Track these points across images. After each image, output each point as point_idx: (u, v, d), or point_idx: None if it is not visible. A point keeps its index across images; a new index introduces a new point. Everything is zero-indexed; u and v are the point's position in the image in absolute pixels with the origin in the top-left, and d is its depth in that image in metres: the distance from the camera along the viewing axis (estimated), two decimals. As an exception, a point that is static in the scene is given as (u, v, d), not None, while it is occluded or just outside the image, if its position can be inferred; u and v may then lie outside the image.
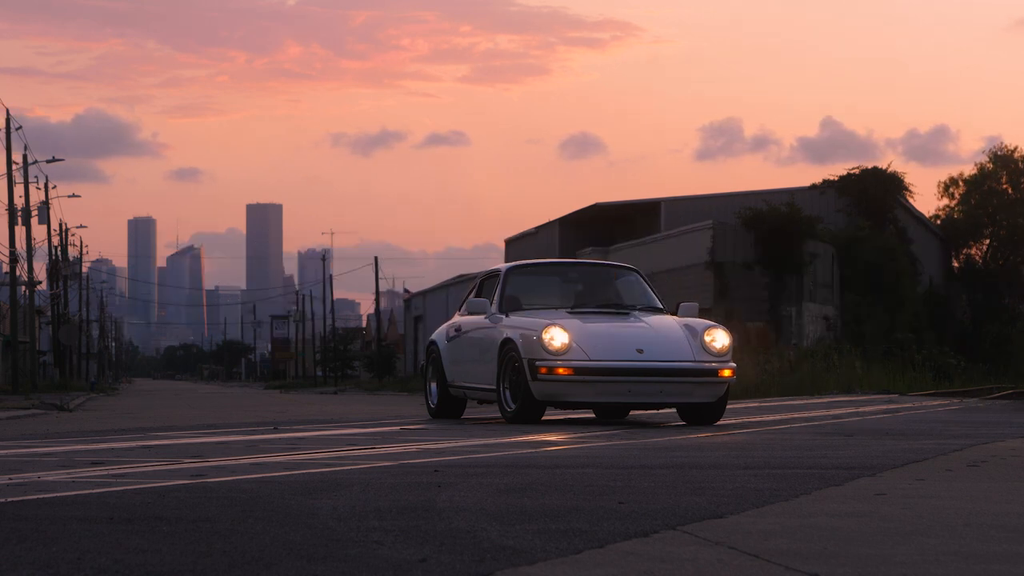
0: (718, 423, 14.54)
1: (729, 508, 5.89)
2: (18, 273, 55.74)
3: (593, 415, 16.81)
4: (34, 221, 58.92)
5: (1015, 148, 64.83)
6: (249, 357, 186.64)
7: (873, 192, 56.54)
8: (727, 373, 14.34)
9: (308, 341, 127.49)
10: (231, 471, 8.13)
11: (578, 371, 14.04)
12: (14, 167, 55.07)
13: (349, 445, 10.97)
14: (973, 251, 66.09)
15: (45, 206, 63.43)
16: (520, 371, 14.31)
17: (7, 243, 55.26)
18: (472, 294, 16.62)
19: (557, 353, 14.07)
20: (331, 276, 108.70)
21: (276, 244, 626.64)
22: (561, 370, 14.04)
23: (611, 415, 16.34)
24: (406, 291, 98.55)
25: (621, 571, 4.25)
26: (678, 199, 56.51)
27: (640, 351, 14.20)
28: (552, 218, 61.86)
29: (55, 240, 76.30)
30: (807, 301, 47.52)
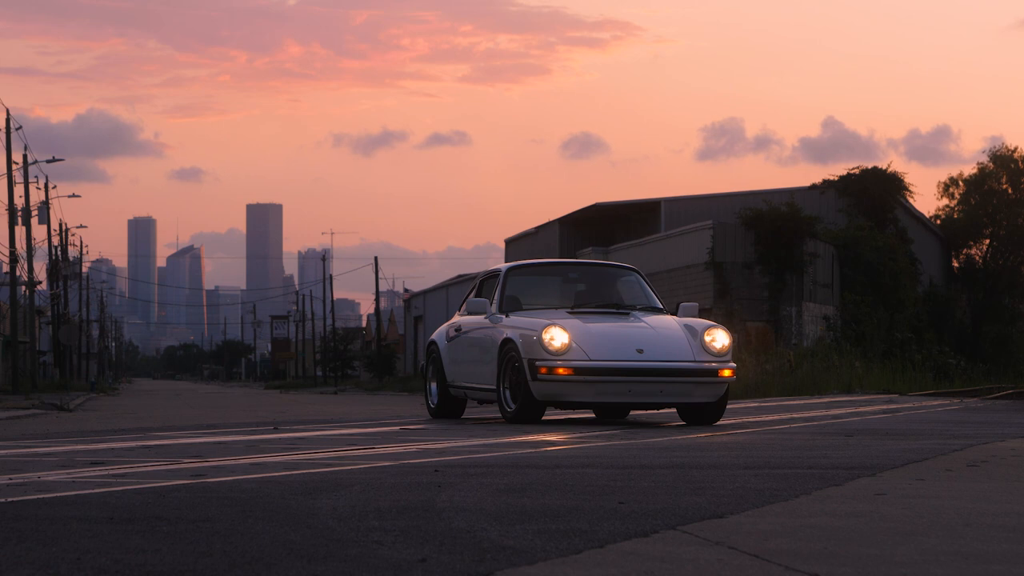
0: (718, 423, 14.54)
1: (729, 508, 5.89)
2: (18, 273, 55.74)
3: (593, 415, 16.83)
4: (34, 221, 58.94)
5: (1015, 148, 64.82)
6: (249, 357, 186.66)
7: (873, 192, 56.52)
8: (727, 373, 14.33)
9: (308, 341, 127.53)
10: (231, 471, 8.13)
11: (578, 371, 14.04)
12: (14, 167, 55.09)
13: (349, 445, 10.97)
14: (973, 251, 66.08)
15: (45, 206, 63.45)
16: (520, 371, 14.32)
17: (7, 243, 55.30)
18: (472, 294, 16.59)
19: (557, 353, 14.07)
20: (331, 276, 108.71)
21: (276, 244, 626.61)
22: (561, 370, 14.04)
23: (611, 415, 16.34)
24: (406, 291, 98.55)
25: (621, 571, 4.25)
26: (678, 199, 56.48)
27: (640, 351, 14.19)
28: (553, 218, 61.83)
29: (55, 240, 76.35)
30: (807, 301, 47.51)
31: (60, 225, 78.76)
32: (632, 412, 16.85)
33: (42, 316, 78.01)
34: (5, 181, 54.35)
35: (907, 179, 57.69)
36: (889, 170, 57.47)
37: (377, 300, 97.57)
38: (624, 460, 9.00)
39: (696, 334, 14.42)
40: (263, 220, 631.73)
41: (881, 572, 4.24)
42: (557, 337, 14.11)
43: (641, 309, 15.42)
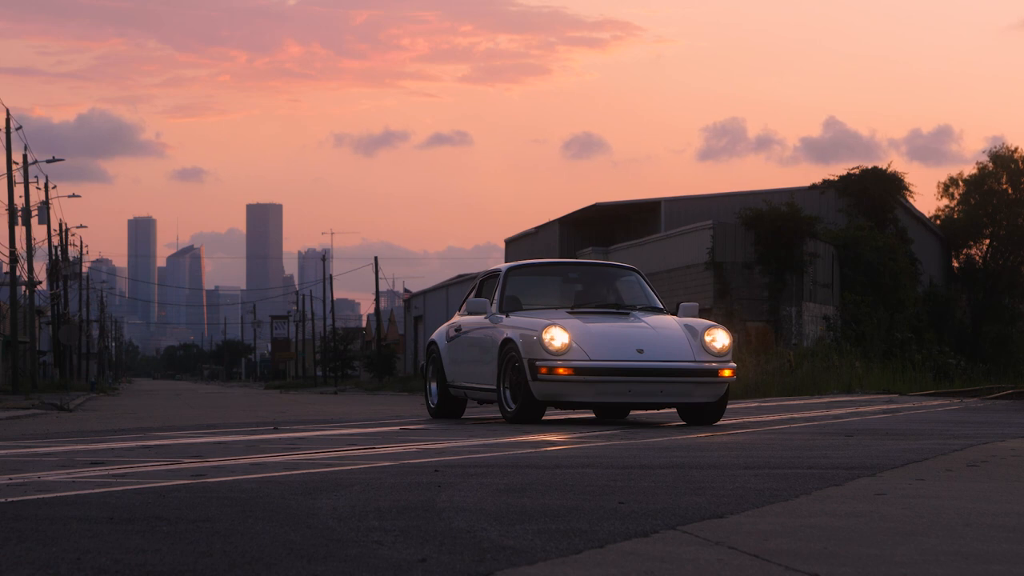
0: (718, 423, 14.53)
1: (729, 508, 5.89)
2: (18, 273, 55.74)
3: (593, 415, 16.77)
4: (34, 221, 58.94)
5: (1015, 148, 64.82)
6: (249, 357, 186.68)
7: (873, 192, 56.51)
8: (727, 373, 14.32)
9: (308, 341, 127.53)
10: (231, 471, 8.13)
11: (578, 371, 14.02)
12: (14, 167, 55.09)
13: (349, 445, 10.97)
14: (973, 251, 66.07)
15: (45, 206, 63.45)
16: (520, 371, 14.30)
17: (7, 243, 55.30)
18: (472, 294, 16.57)
19: (557, 353, 14.06)
20: (331, 276, 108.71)
21: (276, 244, 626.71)
22: (561, 370, 14.02)
23: (611, 415, 16.32)
24: (406, 291, 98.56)
25: (621, 571, 4.25)
26: (678, 199, 56.48)
27: (640, 351, 14.17)
28: (553, 218, 61.83)
29: (55, 240, 76.35)
30: (807, 301, 47.50)
31: (60, 225, 78.81)
32: (632, 412, 16.85)
33: (42, 316, 78.02)
34: (5, 181, 54.37)
35: (907, 179, 57.70)
36: (889, 170, 57.46)
37: (377, 300, 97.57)
38: (624, 460, 9.00)
39: (696, 334, 14.40)
40: (263, 220, 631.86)
41: (881, 572, 4.24)
42: (557, 337, 14.09)
43: (641, 309, 15.41)
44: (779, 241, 46.27)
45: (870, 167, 57.43)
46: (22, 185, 57.76)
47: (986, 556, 4.58)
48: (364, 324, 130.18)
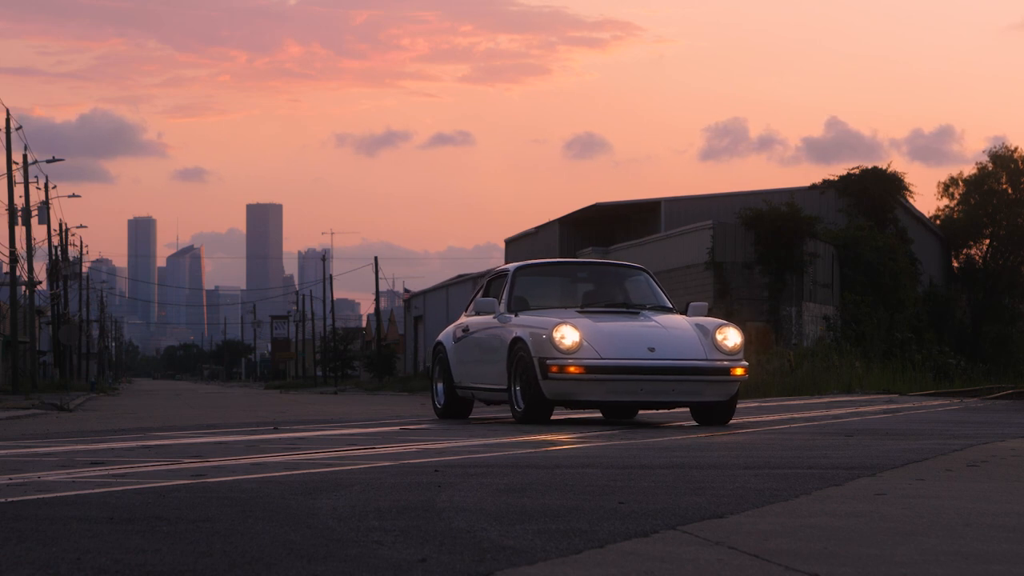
0: (729, 423, 14.45)
1: (729, 508, 5.89)
2: (18, 273, 55.75)
3: (600, 415, 16.62)
4: (34, 221, 58.94)
5: (1015, 148, 64.82)
6: (249, 357, 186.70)
7: (873, 192, 56.52)
8: (739, 372, 14.25)
9: (308, 341, 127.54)
10: (231, 471, 8.13)
11: (589, 369, 13.91)
12: (14, 167, 55.09)
13: (349, 445, 10.97)
14: (973, 251, 66.08)
15: (45, 206, 63.47)
16: (530, 370, 14.16)
17: (7, 243, 55.30)
18: (479, 294, 16.44)
19: (568, 352, 13.94)
20: (331, 276, 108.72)
21: (276, 244, 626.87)
22: (572, 368, 13.91)
23: (617, 415, 16.18)
24: (406, 291, 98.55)
25: (621, 571, 4.25)
26: (678, 199, 56.48)
27: (652, 349, 14.06)
28: (554, 218, 61.83)
29: (55, 240, 76.36)
30: (807, 301, 47.50)
31: (60, 225, 78.83)
32: (641, 412, 16.65)
33: (42, 316, 78.02)
34: (5, 181, 54.38)
35: (907, 179, 57.72)
36: (889, 170, 57.48)
37: (377, 300, 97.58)
38: (624, 460, 9.00)
39: (708, 333, 14.31)
40: (263, 220, 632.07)
41: (881, 572, 4.24)
42: (568, 335, 13.98)
43: (651, 308, 15.33)
44: (779, 241, 46.26)
45: (870, 167, 57.44)
46: (22, 185, 57.81)
47: (986, 556, 4.58)
48: (364, 324, 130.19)
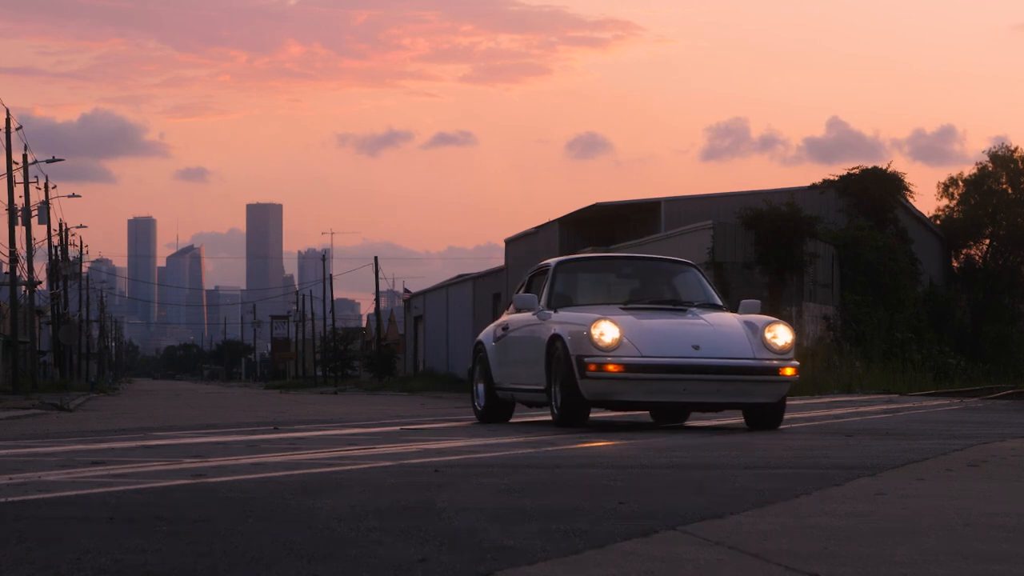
0: (780, 427, 13.73)
1: (729, 508, 5.89)
2: (18, 273, 55.76)
3: (648, 418, 15.98)
4: (34, 221, 58.95)
5: (1015, 148, 64.82)
6: (249, 357, 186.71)
7: (873, 192, 56.50)
8: (789, 372, 13.52)
9: (308, 341, 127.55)
10: (231, 471, 8.13)
11: (629, 368, 13.18)
12: (14, 167, 55.10)
13: (349, 445, 10.98)
14: (973, 251, 66.05)
15: (45, 206, 63.47)
16: (568, 369, 13.42)
17: (7, 243, 55.32)
18: (522, 290, 15.74)
19: (607, 349, 13.21)
20: (331, 276, 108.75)
21: (276, 244, 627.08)
22: (611, 367, 13.17)
23: (668, 418, 15.50)
24: (406, 291, 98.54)
25: (621, 571, 4.25)
26: (678, 199, 56.47)
27: (696, 347, 13.36)
28: (555, 218, 61.83)
29: (55, 240, 76.37)
30: (807, 301, 47.50)
31: (60, 225, 78.83)
32: (692, 415, 15.89)
33: (42, 316, 78.03)
34: (5, 181, 54.39)
35: (907, 179, 57.68)
36: (889, 170, 57.46)
37: (377, 300, 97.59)
38: (624, 460, 9.00)
39: (756, 330, 13.59)
40: (263, 220, 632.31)
41: (881, 572, 4.24)
42: (607, 332, 13.27)
43: (699, 306, 14.57)
44: (779, 241, 46.24)
45: (870, 167, 57.43)
46: (22, 185, 57.81)
47: (986, 556, 4.58)
48: (364, 324, 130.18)
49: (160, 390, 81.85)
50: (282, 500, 6.31)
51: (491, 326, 16.32)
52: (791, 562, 4.37)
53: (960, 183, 66.50)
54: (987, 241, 65.68)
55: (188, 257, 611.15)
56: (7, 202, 54.39)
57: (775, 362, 13.44)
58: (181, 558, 4.49)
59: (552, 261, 15.51)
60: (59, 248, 77.95)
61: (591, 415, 14.38)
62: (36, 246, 59.74)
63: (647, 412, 15.90)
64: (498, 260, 73.35)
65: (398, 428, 14.26)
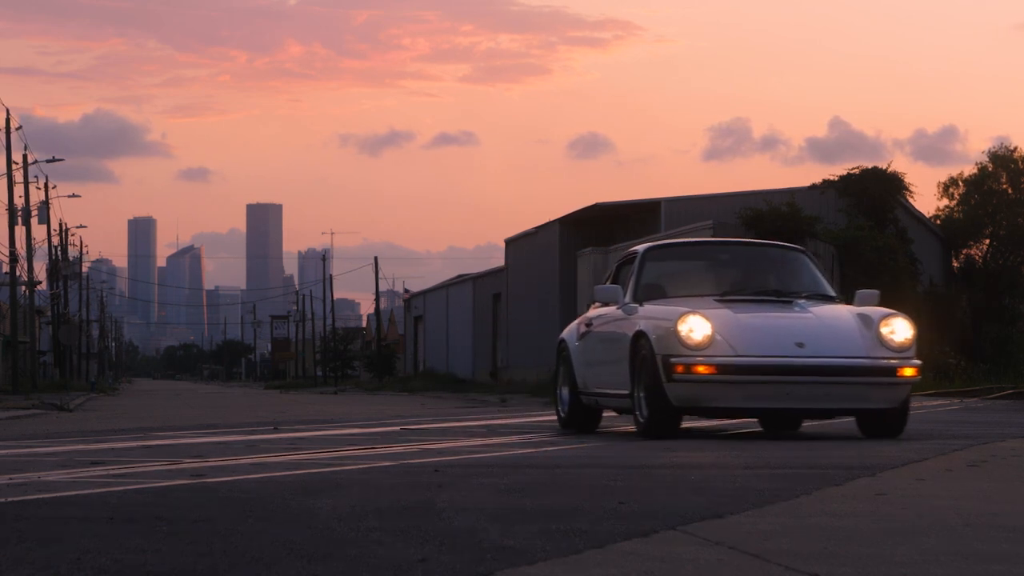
0: (901, 436, 12.02)
1: (729, 508, 5.89)
2: (18, 273, 55.76)
3: (759, 427, 14.15)
4: (34, 221, 58.97)
5: (1015, 148, 64.83)
6: (249, 357, 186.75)
7: (873, 192, 56.49)
8: (909, 372, 11.82)
9: (308, 341, 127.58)
10: (231, 471, 8.14)
11: (722, 369, 11.60)
12: (14, 167, 55.11)
13: (349, 445, 10.98)
14: (973, 251, 66.03)
15: (45, 206, 63.49)
16: (654, 371, 11.79)
17: (7, 243, 55.33)
18: (607, 281, 14.08)
19: (697, 347, 11.63)
20: (331, 276, 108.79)
21: (276, 244, 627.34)
22: (701, 368, 11.59)
23: (780, 425, 13.67)
24: (406, 291, 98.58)
25: (621, 571, 4.25)
26: (678, 199, 56.47)
27: (800, 345, 11.74)
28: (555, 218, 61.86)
29: (55, 240, 76.37)
30: (807, 301, 47.50)
31: (60, 225, 78.84)
32: (805, 421, 14.12)
33: (42, 316, 78.02)
34: (5, 181, 54.41)
35: (907, 179, 57.67)
36: (889, 170, 57.46)
37: (377, 300, 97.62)
38: (624, 460, 9.00)
39: (871, 324, 11.94)
40: (263, 220, 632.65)
41: (881, 572, 4.24)
42: (697, 328, 11.67)
43: (808, 297, 12.87)
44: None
45: (870, 167, 57.44)
46: (22, 185, 57.82)
47: (986, 556, 4.58)
48: (364, 324, 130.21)
49: (160, 390, 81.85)
50: (282, 500, 6.31)
51: (575, 322, 14.70)
52: (791, 562, 4.37)
53: (960, 183, 66.51)
54: (987, 241, 65.68)
55: (188, 257, 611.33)
56: (7, 202, 54.42)
57: (892, 361, 11.80)
58: (181, 558, 4.49)
59: (641, 247, 13.81)
60: (59, 248, 77.98)
61: (685, 423, 12.82)
62: (36, 246, 59.79)
63: (754, 420, 14.18)
64: (498, 260, 73.32)
65: (398, 428, 14.27)
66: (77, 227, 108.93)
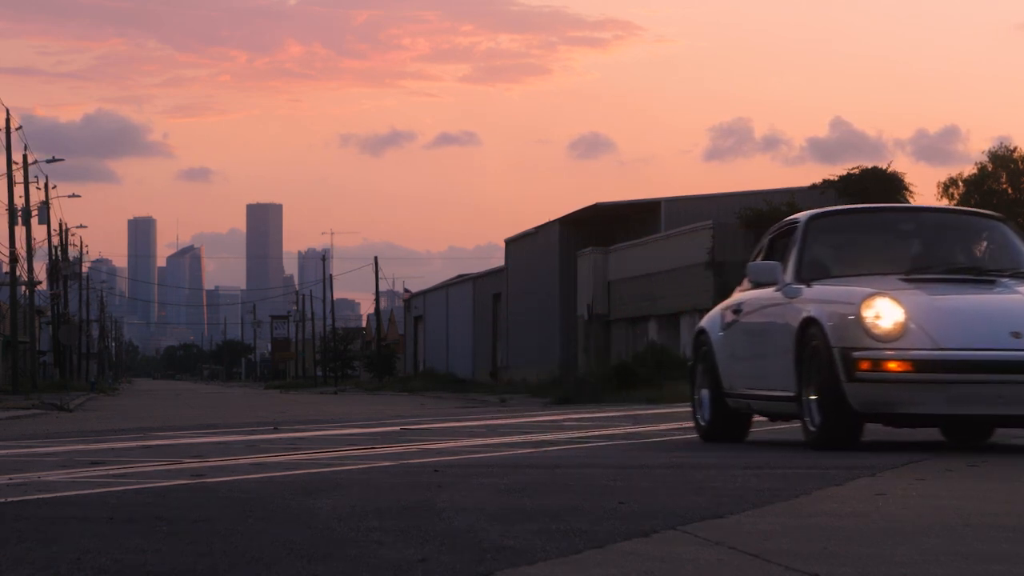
0: None
1: (729, 508, 5.89)
2: (18, 273, 55.77)
3: (940, 435, 11.33)
4: (34, 221, 58.97)
5: (1015, 148, 64.86)
6: (249, 357, 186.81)
7: (873, 192, 56.44)
8: None
9: (308, 341, 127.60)
10: (231, 471, 8.14)
11: (920, 365, 9.44)
12: (14, 167, 55.13)
13: (349, 445, 10.98)
14: (973, 251, 66.12)
15: (45, 206, 63.49)
16: (829, 367, 9.61)
17: (7, 243, 55.34)
18: (759, 256, 11.74)
19: (887, 339, 9.45)
20: (331, 276, 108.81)
21: (276, 244, 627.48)
22: (893, 364, 9.44)
23: (966, 433, 11.09)
24: (406, 291, 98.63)
25: (621, 571, 4.25)
26: (678, 199, 56.47)
27: (1016, 335, 9.48)
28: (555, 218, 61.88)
29: (55, 240, 76.39)
30: (807, 301, 47.52)
31: (60, 225, 78.86)
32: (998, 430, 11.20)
33: (42, 316, 78.03)
34: (5, 181, 54.42)
35: (907, 179, 57.70)
36: (889, 170, 57.50)
37: (377, 300, 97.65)
38: (624, 460, 9.00)
39: None
40: (263, 220, 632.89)
41: (881, 572, 4.24)
42: (886, 313, 9.50)
43: (1012, 275, 10.47)
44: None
45: (870, 167, 57.46)
46: (22, 185, 57.84)
47: (986, 556, 4.58)
48: (364, 324, 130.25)
49: (160, 390, 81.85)
50: (282, 500, 6.31)
51: (718, 308, 12.36)
52: (791, 562, 4.37)
53: (960, 183, 66.54)
54: (987, 241, 65.71)
55: (188, 257, 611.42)
56: (7, 202, 54.43)
57: None
58: (181, 558, 4.49)
59: (803, 215, 11.40)
60: (59, 248, 77.99)
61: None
62: (36, 246, 59.80)
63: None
64: (498, 260, 73.29)
65: (398, 428, 14.26)
66: (77, 227, 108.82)
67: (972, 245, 11.44)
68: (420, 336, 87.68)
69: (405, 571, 4.23)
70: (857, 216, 12.21)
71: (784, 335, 10.30)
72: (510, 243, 67.80)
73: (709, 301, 44.86)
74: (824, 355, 9.67)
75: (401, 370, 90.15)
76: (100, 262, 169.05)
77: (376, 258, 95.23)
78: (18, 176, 56.56)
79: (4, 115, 55.01)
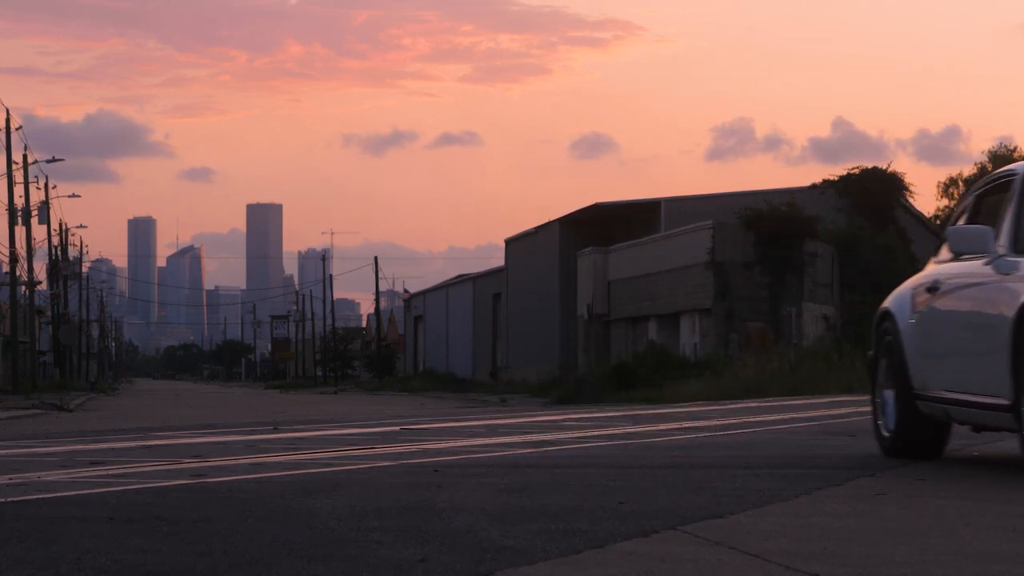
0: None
1: (729, 508, 5.89)
2: (18, 273, 55.76)
3: None
4: (34, 221, 58.97)
5: (1015, 148, 64.85)
6: (249, 357, 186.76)
7: (873, 192, 56.52)
8: None
9: (308, 341, 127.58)
10: (231, 471, 8.14)
11: None
12: (14, 167, 55.12)
13: (349, 445, 10.98)
14: (973, 251, 66.15)
15: (45, 206, 63.48)
16: None
17: (7, 243, 55.34)
18: (960, 220, 9.52)
19: None
20: (331, 276, 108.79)
21: (276, 244, 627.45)
22: None
23: None
24: (406, 291, 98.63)
25: (621, 571, 4.25)
26: (678, 199, 56.48)
27: None
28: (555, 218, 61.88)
29: (55, 240, 76.39)
30: (807, 301, 47.51)
31: (60, 225, 78.85)
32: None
33: (42, 316, 78.02)
34: (5, 181, 54.42)
35: (908, 179, 57.73)
36: (889, 170, 57.50)
37: (377, 300, 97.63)
38: (624, 460, 9.00)
39: None
40: (263, 220, 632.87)
41: (881, 572, 4.24)
42: None
43: None
44: (779, 241, 46.27)
45: (870, 167, 57.46)
46: (22, 185, 57.83)
47: (986, 556, 4.58)
48: (364, 324, 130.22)
49: (160, 390, 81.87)
50: (282, 500, 6.31)
51: (907, 285, 9.65)
52: (791, 562, 4.37)
53: (960, 183, 66.55)
54: (987, 241, 65.74)
55: (188, 257, 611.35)
56: (7, 202, 54.42)
57: None
58: (181, 558, 4.49)
59: (1019, 166, 8.97)
60: (59, 248, 77.98)
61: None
62: (36, 246, 59.79)
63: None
64: (498, 260, 73.24)
65: (398, 428, 14.26)
66: (77, 227, 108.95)
67: None
68: (420, 336, 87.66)
69: (405, 571, 4.23)
70: None
71: (995, 324, 7.91)
72: (510, 243, 67.80)
73: (710, 300, 44.92)
74: None
75: (401, 370, 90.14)
76: (100, 262, 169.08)
77: (376, 258, 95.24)
78: (18, 176, 56.59)
79: (4, 115, 55.04)
